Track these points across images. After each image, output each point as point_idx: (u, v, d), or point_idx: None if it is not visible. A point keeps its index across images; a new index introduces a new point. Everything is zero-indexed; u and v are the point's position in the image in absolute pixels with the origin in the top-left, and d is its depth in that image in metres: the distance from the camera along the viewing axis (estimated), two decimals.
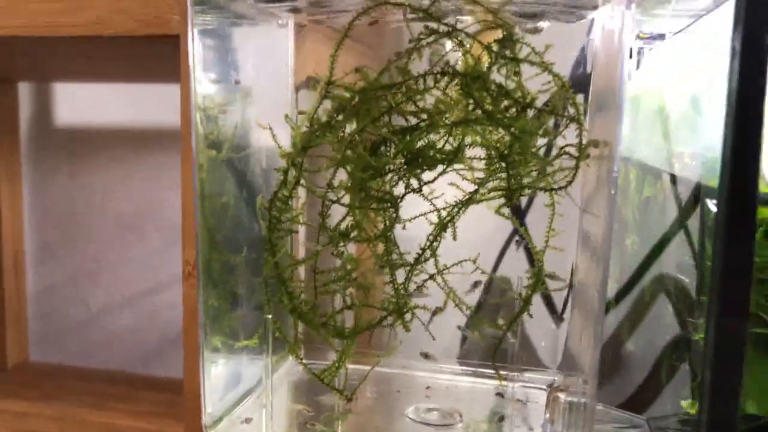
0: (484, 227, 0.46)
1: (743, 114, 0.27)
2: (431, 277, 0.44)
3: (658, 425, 0.40)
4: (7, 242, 1.14)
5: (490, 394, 0.45)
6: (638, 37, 0.50)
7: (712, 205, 0.32)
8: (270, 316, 0.39)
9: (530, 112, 0.36)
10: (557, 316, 0.49)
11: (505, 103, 0.36)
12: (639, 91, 0.52)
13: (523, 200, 0.49)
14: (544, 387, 0.44)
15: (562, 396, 0.38)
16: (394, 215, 0.39)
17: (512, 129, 0.35)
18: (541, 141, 0.39)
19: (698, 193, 0.39)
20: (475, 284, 0.44)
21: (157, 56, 0.65)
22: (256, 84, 0.45)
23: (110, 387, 1.11)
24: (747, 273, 0.28)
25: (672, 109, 0.47)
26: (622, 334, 0.50)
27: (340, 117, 0.36)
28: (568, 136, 0.39)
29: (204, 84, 0.41)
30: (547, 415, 0.39)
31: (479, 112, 0.36)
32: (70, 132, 1.19)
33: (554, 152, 0.39)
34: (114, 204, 1.21)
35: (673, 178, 0.42)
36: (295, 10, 0.42)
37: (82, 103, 1.19)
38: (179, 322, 1.34)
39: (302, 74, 0.47)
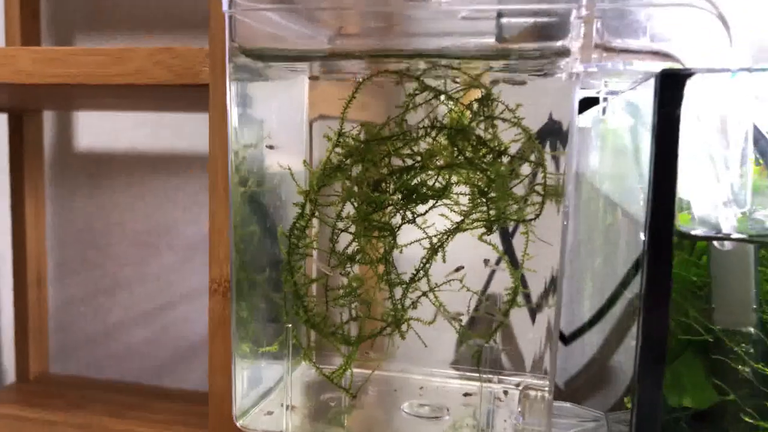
0: (477, 251, 0.54)
1: (661, 161, 0.35)
2: (424, 294, 0.52)
3: (613, 418, 0.48)
4: (31, 259, 1.19)
5: (474, 394, 0.53)
6: (605, 89, 0.58)
7: (641, 234, 0.40)
8: (290, 325, 0.47)
9: (504, 158, 0.44)
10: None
11: (483, 150, 0.44)
12: (606, 131, 0.61)
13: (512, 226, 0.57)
14: (517, 388, 0.52)
15: (531, 393, 0.46)
16: (392, 242, 0.47)
17: (488, 172, 0.43)
18: (515, 181, 0.47)
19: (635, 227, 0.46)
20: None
21: (167, 98, 0.72)
22: (276, 122, 0.53)
23: (128, 397, 1.16)
24: (666, 290, 0.35)
25: (624, 152, 0.55)
26: (605, 349, 0.58)
27: (348, 161, 0.44)
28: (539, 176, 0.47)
29: (233, 124, 0.49)
30: (519, 409, 0.47)
31: (462, 158, 0.44)
32: (90, 156, 1.24)
33: (529, 189, 0.47)
34: (130, 223, 1.26)
35: (624, 212, 0.49)
36: (312, 78, 0.51)
37: (100, 129, 1.25)
38: (191, 336, 1.41)
39: (315, 112, 0.55)
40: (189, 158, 1.20)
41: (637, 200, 0.47)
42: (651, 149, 0.36)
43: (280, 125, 0.53)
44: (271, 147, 0.49)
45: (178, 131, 1.23)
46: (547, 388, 0.45)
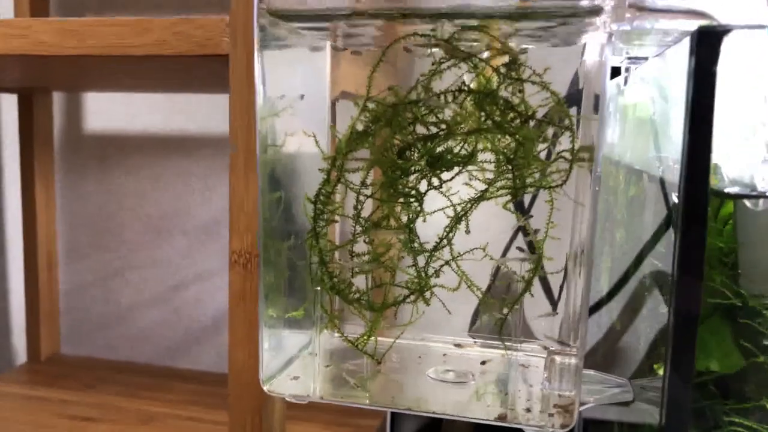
0: (496, 224, 0.54)
1: (696, 122, 0.35)
2: (447, 262, 0.52)
3: (638, 384, 0.48)
4: (42, 243, 1.20)
5: (498, 361, 0.53)
6: (627, 58, 0.58)
7: (674, 197, 0.40)
8: (318, 288, 0.47)
9: (531, 123, 0.44)
10: (553, 309, 0.57)
11: (511, 115, 0.44)
12: (627, 103, 0.60)
13: (528, 199, 0.57)
14: (542, 355, 0.51)
15: (558, 359, 0.46)
16: (418, 208, 0.47)
17: (516, 136, 0.43)
18: (541, 146, 0.46)
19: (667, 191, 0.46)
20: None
21: (186, 70, 0.72)
22: (299, 92, 0.53)
23: (141, 378, 1.18)
24: (701, 252, 0.35)
25: (650, 119, 0.54)
26: (620, 325, 0.58)
27: (375, 127, 0.44)
28: (564, 142, 0.47)
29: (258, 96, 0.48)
30: (546, 375, 0.47)
31: (489, 122, 0.44)
32: (101, 139, 1.25)
33: (552, 156, 0.47)
34: (142, 207, 1.27)
35: (651, 178, 0.49)
36: (334, 48, 0.50)
37: (111, 111, 1.25)
38: (204, 318, 1.42)
39: (337, 89, 0.55)
40: (201, 141, 1.20)
41: (668, 169, 0.47)
42: (686, 107, 0.36)
43: (304, 96, 0.53)
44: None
45: (191, 114, 1.24)
46: (575, 353, 0.45)
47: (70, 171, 1.27)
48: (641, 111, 0.55)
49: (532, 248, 0.51)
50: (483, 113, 0.44)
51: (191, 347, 1.27)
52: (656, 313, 0.45)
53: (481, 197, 0.49)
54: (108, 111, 1.24)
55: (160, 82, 0.92)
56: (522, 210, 0.55)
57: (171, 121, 1.22)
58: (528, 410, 0.45)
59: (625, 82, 0.58)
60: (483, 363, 0.52)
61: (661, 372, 0.40)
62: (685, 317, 0.37)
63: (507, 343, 0.50)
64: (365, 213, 0.48)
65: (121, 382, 1.16)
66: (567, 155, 0.45)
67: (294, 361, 0.51)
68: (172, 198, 1.24)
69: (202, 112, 1.17)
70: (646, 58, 0.54)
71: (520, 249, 0.51)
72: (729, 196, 0.40)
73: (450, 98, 0.44)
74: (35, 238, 1.18)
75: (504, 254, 0.57)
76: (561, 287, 0.51)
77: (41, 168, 1.17)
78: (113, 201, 1.28)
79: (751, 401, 0.43)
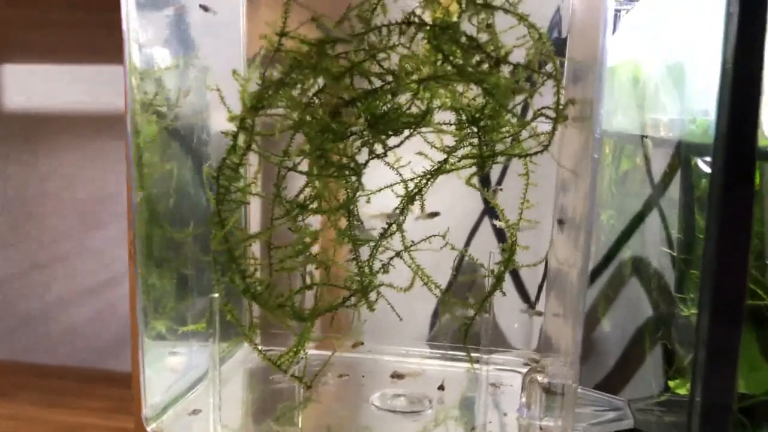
0: (455, 205, 0.43)
1: (744, 59, 0.24)
2: (398, 254, 0.41)
3: (638, 407, 0.37)
4: None
5: (462, 378, 0.42)
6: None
7: (703, 164, 0.29)
8: (216, 295, 0.35)
9: (504, 69, 0.33)
10: (530, 305, 0.47)
11: (477, 57, 0.33)
12: (616, 58, 0.50)
13: (496, 172, 0.46)
14: (518, 370, 0.41)
15: (539, 378, 0.35)
16: (356, 184, 0.36)
17: (484, 85, 0.32)
18: (514, 105, 0.36)
19: (680, 154, 0.36)
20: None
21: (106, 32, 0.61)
22: (203, 51, 0.41)
23: (67, 383, 1.07)
24: (746, 235, 0.25)
25: (650, 74, 0.44)
26: (597, 313, 0.48)
27: (296, 75, 0.33)
28: (544, 99, 0.36)
29: (145, 48, 0.37)
30: (523, 399, 0.36)
31: (449, 67, 0.32)
32: (22, 117, 1.14)
33: (529, 117, 0.36)
34: (69, 192, 1.16)
35: (656, 141, 0.39)
36: None
37: (34, 86, 1.14)
38: None
39: (255, 46, 0.43)
40: None
41: (668, 130, 0.36)
42: (726, 41, 0.25)
43: (206, 51, 0.41)
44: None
45: (119, 88, 1.12)
46: (563, 373, 0.35)
47: None
48: (636, 66, 0.45)
49: (503, 236, 0.40)
50: (440, 55, 0.32)
51: (125, 347, 1.16)
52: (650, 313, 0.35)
53: (439, 170, 0.38)
54: (28, 85, 1.12)
55: (65, 45, 0.80)
56: (490, 187, 0.45)
57: (99, 96, 1.11)
58: None
59: (614, 31, 0.48)
60: (441, 388, 0.41)
61: (680, 390, 0.30)
62: (724, 320, 0.27)
63: (474, 354, 0.40)
64: (290, 192, 0.36)
65: (42, 388, 1.04)
66: (550, 113, 0.34)
67: (199, 387, 0.40)
68: (102, 181, 1.13)
69: None
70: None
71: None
72: None
73: (396, 35, 0.33)
74: None
75: (468, 243, 0.46)
76: (541, 283, 0.41)
77: None
78: (35, 185, 1.17)
79: None
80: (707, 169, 0.29)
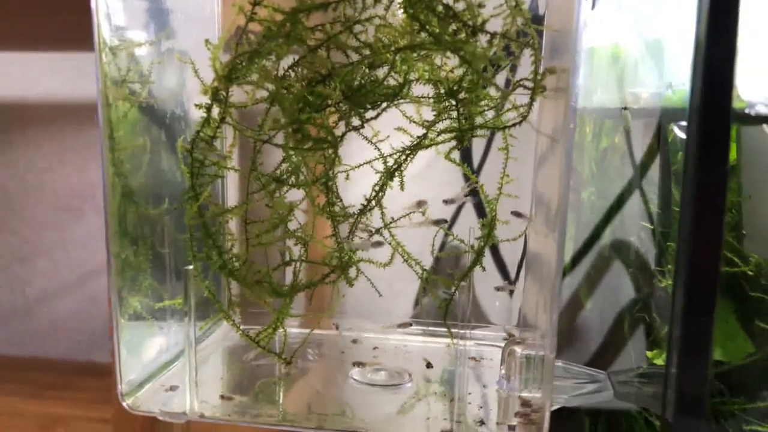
0: (440, 193, 0.43)
1: (717, 16, 0.24)
2: (377, 230, 0.40)
3: (619, 379, 0.37)
4: None
5: (442, 353, 0.42)
6: None
7: (678, 129, 0.29)
8: (191, 267, 0.35)
9: (481, 38, 0.33)
10: (510, 282, 0.46)
11: (454, 26, 0.32)
12: (596, 37, 0.50)
13: (478, 148, 0.46)
14: (498, 344, 0.41)
15: (518, 350, 0.35)
16: (334, 157, 0.35)
17: (462, 53, 0.31)
18: (493, 75, 0.35)
19: (659, 124, 0.36)
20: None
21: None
22: (175, 30, 0.41)
23: (49, 376, 1.06)
24: (721, 198, 0.25)
25: (630, 50, 0.44)
26: (580, 294, 0.48)
27: (268, 44, 0.32)
28: (523, 72, 0.36)
29: (115, 22, 0.36)
30: (503, 371, 0.36)
31: (425, 36, 0.32)
32: None
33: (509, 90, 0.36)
34: (49, 184, 1.14)
35: (635, 112, 0.39)
36: None
37: (10, 75, 1.11)
38: None
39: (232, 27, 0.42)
40: None
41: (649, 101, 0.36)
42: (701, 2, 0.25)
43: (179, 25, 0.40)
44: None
45: None
46: (541, 343, 0.35)
47: None
48: (615, 43, 0.45)
49: (482, 210, 0.40)
50: (417, 24, 0.32)
51: (109, 337, 1.15)
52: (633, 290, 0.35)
53: (419, 145, 0.38)
54: (7, 75, 1.10)
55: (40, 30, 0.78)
56: (470, 162, 0.44)
57: (78, 86, 1.09)
58: (481, 422, 0.34)
59: (593, 6, 0.48)
60: (429, 366, 0.41)
61: (657, 361, 0.30)
62: (699, 289, 0.27)
63: (454, 331, 0.39)
64: (266, 169, 0.36)
65: (25, 381, 1.04)
66: (528, 83, 0.34)
67: (176, 364, 0.39)
68: (83, 172, 1.11)
69: None
70: None
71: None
72: (757, 119, 0.30)
73: (372, 5, 0.33)
74: None
75: (459, 211, 0.46)
76: (522, 258, 0.40)
77: None
78: (13, 176, 1.15)
79: (765, 398, 0.33)
80: (683, 136, 0.28)
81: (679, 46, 0.35)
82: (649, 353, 0.34)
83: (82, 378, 1.04)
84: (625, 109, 0.40)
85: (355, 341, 0.44)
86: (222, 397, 0.36)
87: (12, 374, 1.05)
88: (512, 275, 0.46)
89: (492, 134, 0.46)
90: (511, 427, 0.33)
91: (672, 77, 0.36)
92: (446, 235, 0.43)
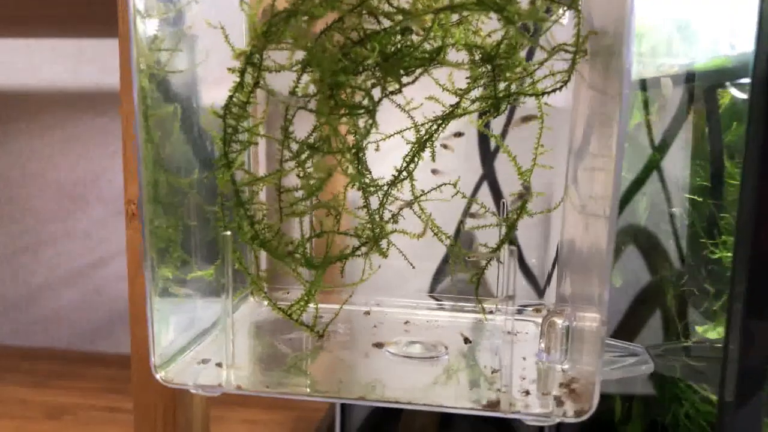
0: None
1: None
2: (408, 204, 0.40)
3: (658, 353, 0.37)
4: None
5: (474, 328, 0.41)
6: None
7: (736, 90, 0.28)
8: (228, 233, 0.34)
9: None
10: (540, 291, 0.45)
11: None
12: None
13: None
14: (533, 320, 0.40)
15: (559, 321, 0.34)
16: (371, 123, 0.34)
17: (505, 13, 0.30)
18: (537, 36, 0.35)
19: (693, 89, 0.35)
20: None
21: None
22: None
23: (54, 365, 1.06)
24: None
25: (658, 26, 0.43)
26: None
27: (304, 5, 0.31)
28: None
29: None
30: (542, 344, 0.35)
31: None
32: (1, 96, 1.10)
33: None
34: (52, 173, 1.14)
35: (675, 79, 0.38)
36: None
37: (12, 63, 1.10)
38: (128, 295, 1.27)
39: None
40: (117, 95, 1.06)
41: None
42: None
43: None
44: None
45: (104, 64, 1.10)
46: (583, 316, 0.34)
47: None
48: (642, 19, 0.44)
49: (496, 189, 0.39)
50: None
51: (115, 329, 1.15)
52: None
53: (452, 114, 0.37)
54: (10, 62, 1.09)
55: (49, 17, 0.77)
56: (487, 146, 0.43)
57: (80, 73, 1.09)
58: (527, 393, 0.33)
59: None
60: (467, 341, 0.40)
61: (710, 335, 0.29)
62: (765, 262, 0.26)
63: (487, 306, 0.39)
64: (299, 133, 0.35)
65: (30, 371, 1.03)
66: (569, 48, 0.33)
67: (205, 338, 0.38)
68: (86, 161, 1.11)
69: (116, 61, 1.03)
70: None
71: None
72: None
73: None
74: None
75: (475, 192, 0.45)
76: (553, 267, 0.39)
77: None
78: (16, 165, 1.14)
79: None
80: (742, 96, 0.28)
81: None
82: (699, 328, 0.33)
83: (87, 367, 1.03)
84: (664, 77, 0.39)
85: (381, 319, 0.43)
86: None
87: (17, 364, 1.04)
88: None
89: (511, 111, 0.45)
90: (557, 398, 0.32)
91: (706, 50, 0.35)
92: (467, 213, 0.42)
